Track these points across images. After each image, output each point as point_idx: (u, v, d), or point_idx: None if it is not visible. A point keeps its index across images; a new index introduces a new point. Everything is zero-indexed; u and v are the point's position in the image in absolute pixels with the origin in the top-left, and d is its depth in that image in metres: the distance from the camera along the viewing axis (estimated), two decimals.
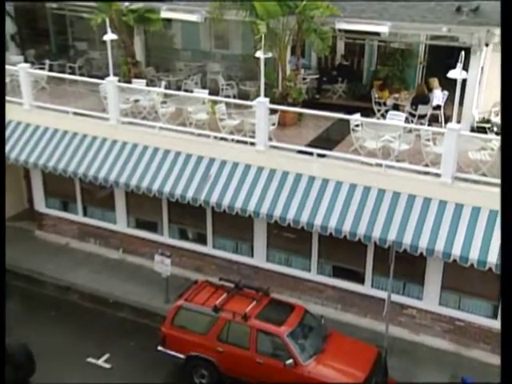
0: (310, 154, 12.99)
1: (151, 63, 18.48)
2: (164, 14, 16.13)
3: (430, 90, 15.72)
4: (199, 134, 14.15)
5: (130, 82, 15.91)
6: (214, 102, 14.72)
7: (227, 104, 14.62)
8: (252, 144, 13.56)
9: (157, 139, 14.35)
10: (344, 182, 12.65)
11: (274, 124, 13.99)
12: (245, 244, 14.51)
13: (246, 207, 13.06)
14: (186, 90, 16.60)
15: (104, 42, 14.35)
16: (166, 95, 15.29)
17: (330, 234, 12.45)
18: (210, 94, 15.47)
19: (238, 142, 13.82)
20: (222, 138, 13.98)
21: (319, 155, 12.99)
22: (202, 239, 14.92)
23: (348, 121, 13.49)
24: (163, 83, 16.62)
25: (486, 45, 13.71)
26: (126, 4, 16.27)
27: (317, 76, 18.35)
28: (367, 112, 15.42)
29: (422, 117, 15.07)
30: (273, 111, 13.83)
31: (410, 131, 13.40)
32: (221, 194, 13.33)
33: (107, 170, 14.49)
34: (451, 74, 11.32)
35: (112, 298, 14.07)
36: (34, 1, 18.33)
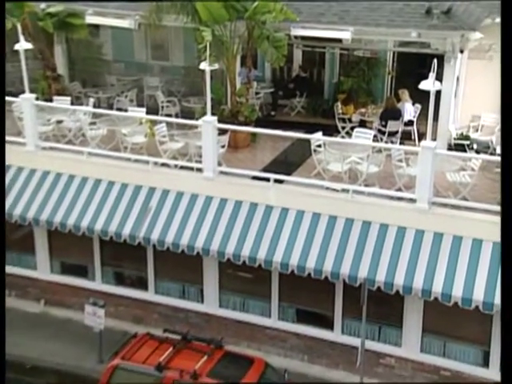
0: (267, 179, 13.05)
1: (76, 77, 18.32)
2: (90, 19, 16.03)
3: (399, 102, 16.10)
4: (136, 160, 14.07)
5: (50, 100, 15.72)
6: (153, 122, 14.69)
7: (168, 124, 14.61)
8: (199, 170, 13.54)
9: (85, 167, 14.17)
10: (306, 211, 12.71)
11: (223, 146, 14.02)
12: (193, 287, 14.37)
13: (193, 244, 12.96)
14: (119, 109, 16.58)
15: (17, 52, 14.06)
16: (95, 115, 15.17)
17: (292, 272, 12.43)
18: (147, 112, 15.45)
19: (183, 168, 13.80)
20: (163, 164, 13.94)
21: (277, 181, 13.05)
22: (142, 284, 14.72)
23: (309, 141, 13.63)
24: (91, 101, 16.49)
25: (461, 51, 14.14)
26: (42, 6, 15.99)
27: (271, 90, 18.61)
28: (330, 130, 15.62)
29: (392, 134, 15.38)
30: (222, 131, 13.86)
31: (380, 151, 13.60)
32: (163, 230, 13.21)
33: (24, 205, 14.20)
34: (423, 86, 11.58)
35: (30, 363, 13.51)
36: None
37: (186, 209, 13.32)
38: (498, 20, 14.58)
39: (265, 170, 13.90)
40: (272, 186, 12.97)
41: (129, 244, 13.56)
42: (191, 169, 13.72)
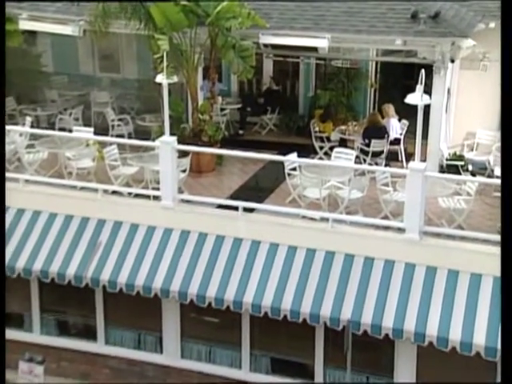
0: (235, 208, 13.03)
1: (10, 92, 18.10)
2: (24, 25, 15.86)
3: (383, 118, 16.27)
4: (83, 188, 13.99)
5: None
6: (102, 144, 14.62)
7: (120, 146, 14.57)
8: (156, 198, 13.49)
9: (21, 197, 14.02)
10: (280, 243, 12.70)
11: (184, 171, 14.01)
12: (150, 336, 14.23)
13: (150, 284, 12.85)
14: (61, 129, 16.45)
15: None
16: (33, 136, 15.06)
17: (266, 314, 12.36)
18: (96, 132, 15.35)
19: (137, 196, 13.74)
20: (114, 192, 13.88)
21: (246, 210, 13.04)
22: (89, 333, 14.54)
23: (282, 163, 13.67)
24: (28, 120, 16.36)
25: (452, 61, 14.36)
26: None
27: (239, 106, 18.70)
28: (306, 150, 15.73)
29: (376, 154, 15.50)
30: (183, 154, 13.86)
31: (363, 174, 13.69)
32: (115, 269, 13.10)
33: None
34: (410, 99, 11.68)
35: None
36: None
37: (141, 243, 13.23)
38: (493, 25, 14.93)
39: (232, 197, 13.91)
40: (241, 215, 12.95)
41: (74, 286, 13.38)
42: (147, 197, 13.65)
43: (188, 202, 13.40)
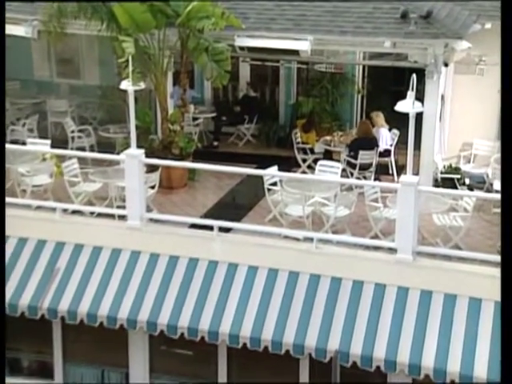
0: (210, 228, 13.00)
1: None
2: None
3: (372, 127, 16.35)
4: (39, 207, 13.90)
5: None
6: (61, 158, 14.55)
7: (81, 160, 14.52)
8: (122, 218, 13.44)
9: None
10: (260, 266, 12.69)
11: (153, 187, 13.98)
12: (115, 372, 14.12)
13: (115, 314, 12.76)
14: (14, 142, 16.28)
15: None
16: None
17: (244, 346, 12.32)
18: (53, 145, 15.26)
19: (101, 215, 13.68)
20: (75, 212, 13.81)
21: (222, 229, 13.01)
22: (45, 371, 14.40)
23: (261, 177, 13.69)
24: None
25: (446, 64, 14.46)
26: None
27: (213, 114, 18.75)
28: (288, 163, 15.80)
29: (365, 167, 15.56)
30: (151, 168, 13.84)
31: (350, 188, 13.74)
32: (75, 298, 12.99)
33: None
34: (400, 107, 11.73)
35: None
36: None
37: (105, 269, 13.14)
38: (489, 26, 15.07)
39: (207, 215, 13.90)
40: (216, 235, 12.92)
41: (28, 319, 13.21)
42: (112, 216, 13.59)
43: (157, 221, 13.35)
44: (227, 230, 13.10)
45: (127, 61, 12.96)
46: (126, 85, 12.98)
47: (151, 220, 13.35)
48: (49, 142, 15.39)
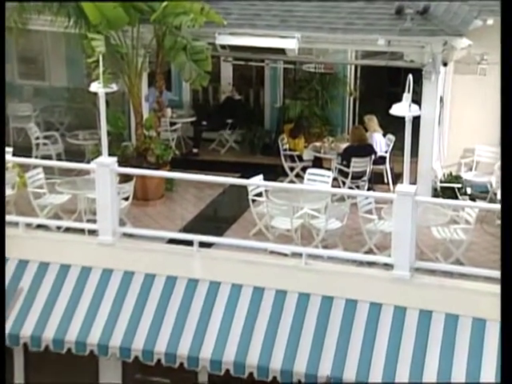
0: (189, 243, 12.94)
1: None
2: None
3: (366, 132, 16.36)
4: None
5: None
6: (24, 167, 14.56)
7: (47, 169, 14.49)
8: (92, 233, 13.40)
9: None
10: (244, 284, 12.65)
11: (127, 198, 13.97)
12: None
13: (84, 339, 12.70)
14: None
15: None
16: None
17: (227, 372, 12.25)
18: (15, 153, 15.15)
19: (69, 230, 13.62)
20: (40, 226, 13.77)
21: (203, 244, 12.97)
22: None
23: (245, 188, 13.67)
24: None
25: (445, 64, 14.53)
26: None
27: (193, 119, 18.72)
28: (274, 172, 15.88)
29: (358, 176, 15.57)
30: (125, 178, 13.83)
31: (342, 199, 13.72)
32: (40, 322, 12.90)
33: None
34: (396, 110, 11.73)
35: None
36: None
37: (73, 289, 13.06)
38: (491, 22, 15.11)
39: (186, 229, 13.85)
40: (197, 251, 12.87)
41: None
42: (81, 231, 13.56)
43: (131, 236, 13.29)
44: (208, 245, 13.09)
45: (97, 60, 12.95)
46: (96, 87, 12.94)
47: (125, 235, 13.29)
48: (11, 149, 15.25)
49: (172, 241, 13.22)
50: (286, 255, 12.73)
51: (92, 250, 13.20)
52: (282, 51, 14.97)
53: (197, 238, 12.88)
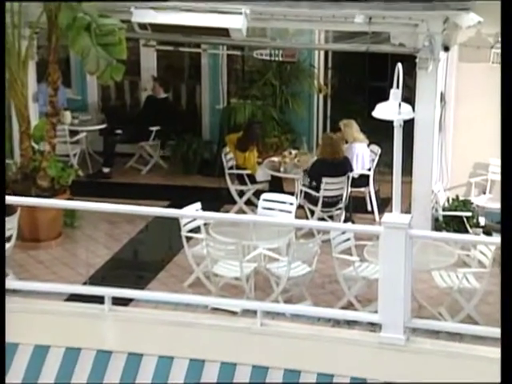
0: (99, 299, 12.79)
1: None
2: None
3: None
4: None
5: None
6: None
7: None
8: None
9: None
10: (176, 356, 12.59)
11: (9, 238, 13.81)
12: None
13: None
14: None
15: None
16: None
17: None
18: None
19: None
20: None
21: (118, 301, 12.85)
22: None
23: (177, 220, 13.64)
24: None
25: (446, 49, 14.70)
26: None
27: (102, 126, 18.65)
28: (217, 198, 16.04)
29: (331, 203, 15.57)
30: (5, 210, 13.51)
31: (311, 235, 13.82)
32: None
33: None
34: (381, 112, 11.68)
35: None
36: None
37: None
38: None
39: (94, 280, 13.76)
40: (109, 310, 12.75)
41: None
42: None
43: (15, 292, 13.06)
44: (125, 301, 13.00)
45: None
46: None
47: (6, 291, 13.01)
48: None
49: (74, 297, 13.04)
50: (234, 313, 12.70)
51: None
52: (224, 32, 14.98)
53: (109, 291, 12.74)
